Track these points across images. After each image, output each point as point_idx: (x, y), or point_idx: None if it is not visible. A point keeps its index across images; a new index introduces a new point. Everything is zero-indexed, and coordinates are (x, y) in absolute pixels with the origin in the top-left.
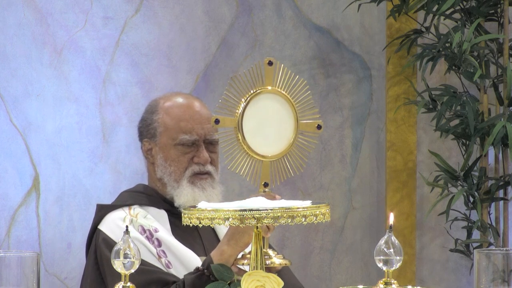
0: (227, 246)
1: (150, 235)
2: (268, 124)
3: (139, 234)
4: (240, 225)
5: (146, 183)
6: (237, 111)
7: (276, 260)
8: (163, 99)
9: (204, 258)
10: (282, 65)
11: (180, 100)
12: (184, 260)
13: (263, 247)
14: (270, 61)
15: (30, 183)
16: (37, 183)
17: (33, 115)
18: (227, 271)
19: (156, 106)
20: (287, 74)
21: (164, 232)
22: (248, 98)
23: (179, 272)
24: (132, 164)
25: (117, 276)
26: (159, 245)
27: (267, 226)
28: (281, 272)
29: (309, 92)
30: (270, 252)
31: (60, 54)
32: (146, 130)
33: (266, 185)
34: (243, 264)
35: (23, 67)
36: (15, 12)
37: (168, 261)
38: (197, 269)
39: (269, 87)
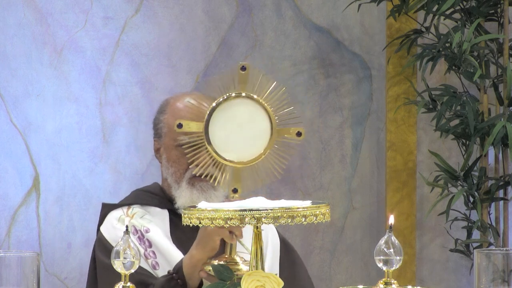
0: (195, 250)
1: (141, 236)
2: (239, 130)
3: (131, 234)
4: (211, 226)
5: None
6: (205, 116)
7: (244, 267)
8: (174, 98)
9: None
10: (258, 70)
11: (187, 101)
12: (173, 261)
13: (230, 254)
14: (243, 66)
15: (30, 183)
16: (37, 183)
17: (33, 115)
18: (227, 271)
19: (165, 106)
20: (264, 79)
21: (157, 233)
22: (217, 103)
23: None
24: (132, 164)
25: (105, 278)
26: (150, 245)
27: (231, 232)
28: (296, 270)
29: (289, 98)
30: (237, 258)
31: (60, 54)
32: (155, 129)
33: (235, 191)
34: (209, 270)
35: (23, 67)
36: (15, 12)
37: (156, 262)
38: (168, 272)
39: (242, 93)
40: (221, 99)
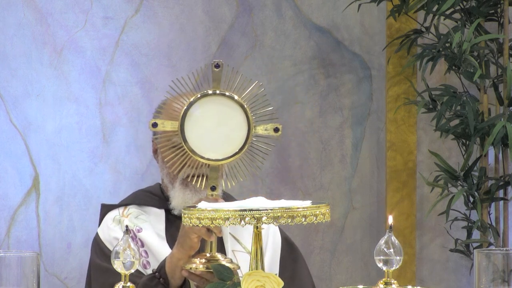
0: (176, 249)
1: (134, 235)
2: (215, 128)
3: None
4: (186, 225)
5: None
6: (179, 114)
7: (226, 264)
8: (170, 99)
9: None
10: (233, 67)
11: (184, 101)
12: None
13: (211, 251)
14: (217, 63)
15: (30, 183)
16: (37, 183)
17: (33, 115)
18: (227, 271)
19: (161, 106)
20: (239, 76)
21: (150, 233)
22: (191, 102)
23: None
24: (132, 164)
25: (96, 278)
26: (142, 245)
27: (208, 229)
28: (298, 269)
29: (266, 95)
30: (219, 255)
31: (60, 54)
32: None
33: (213, 188)
34: (190, 268)
35: (23, 67)
36: (15, 12)
37: (147, 261)
38: (152, 271)
39: (216, 91)
40: (195, 98)
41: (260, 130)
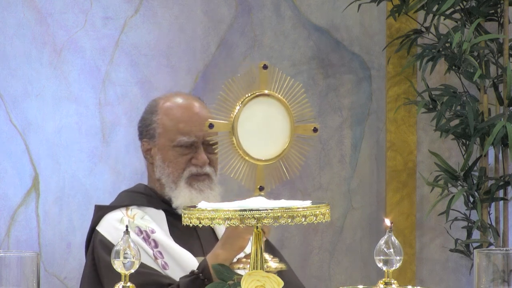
0: (221, 249)
1: (146, 236)
2: (263, 128)
3: (136, 235)
4: (241, 225)
5: (146, 182)
6: (231, 115)
7: (272, 264)
8: (163, 99)
9: (201, 258)
10: (277, 68)
11: (179, 101)
12: (181, 261)
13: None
14: (265, 64)
15: (29, 183)
16: (37, 183)
17: (32, 115)
18: (227, 271)
19: (155, 106)
20: (282, 77)
21: (161, 233)
22: (243, 102)
23: (176, 273)
24: (131, 164)
25: (113, 279)
26: (156, 246)
27: (262, 230)
28: (283, 273)
29: (305, 95)
30: (266, 255)
31: (59, 54)
32: (145, 130)
33: (261, 188)
34: (238, 268)
35: (23, 67)
36: (15, 12)
37: (165, 262)
38: (192, 272)
39: (265, 91)
40: (246, 98)
41: (300, 130)
